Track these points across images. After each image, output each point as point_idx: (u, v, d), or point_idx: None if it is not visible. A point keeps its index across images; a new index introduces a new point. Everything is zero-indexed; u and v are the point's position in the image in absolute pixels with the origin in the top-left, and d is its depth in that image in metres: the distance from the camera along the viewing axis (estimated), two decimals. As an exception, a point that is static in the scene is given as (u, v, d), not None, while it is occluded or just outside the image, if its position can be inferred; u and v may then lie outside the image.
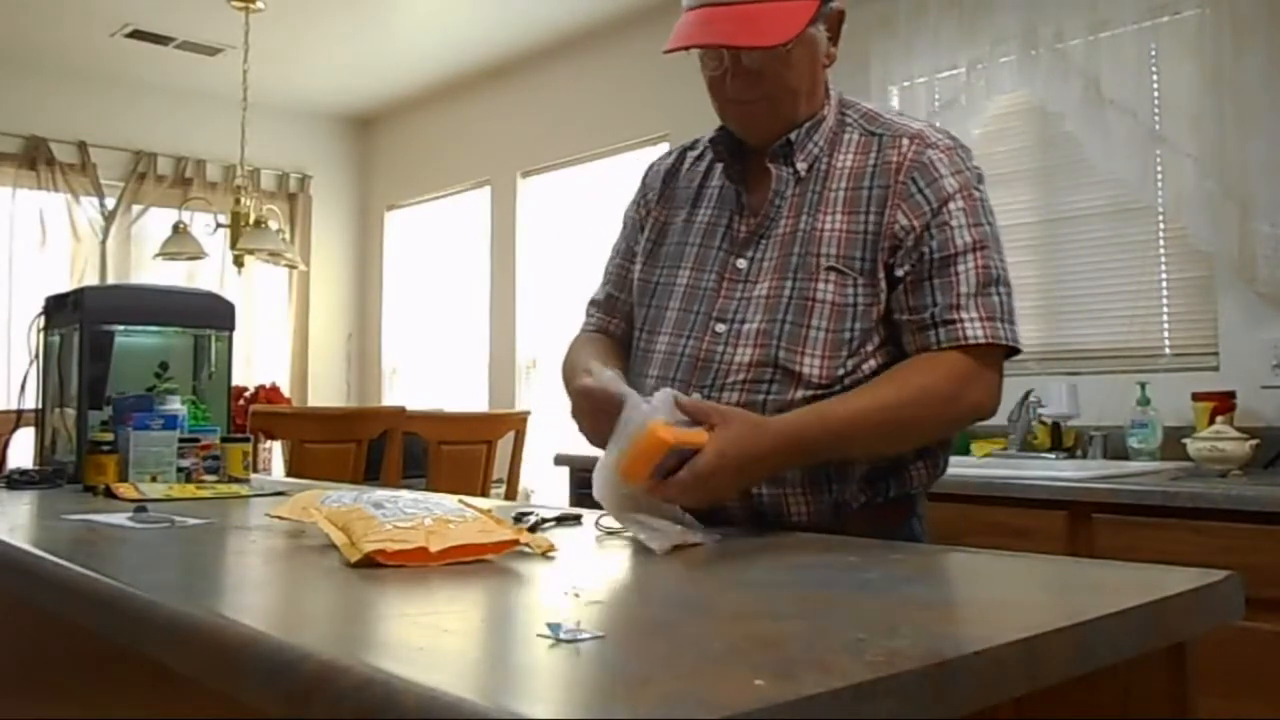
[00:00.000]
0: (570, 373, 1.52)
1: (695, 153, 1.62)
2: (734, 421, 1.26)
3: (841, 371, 1.38)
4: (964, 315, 1.35)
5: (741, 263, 1.46)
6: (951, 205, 1.38)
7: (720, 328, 1.43)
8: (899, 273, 1.38)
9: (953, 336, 1.35)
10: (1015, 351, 1.39)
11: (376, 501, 1.14)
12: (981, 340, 1.35)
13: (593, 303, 1.70)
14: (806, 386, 1.37)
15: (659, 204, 1.61)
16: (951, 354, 1.35)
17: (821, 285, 1.38)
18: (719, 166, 1.55)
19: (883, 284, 1.38)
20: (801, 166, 1.45)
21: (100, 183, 5.52)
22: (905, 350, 1.40)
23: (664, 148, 5.30)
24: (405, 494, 1.25)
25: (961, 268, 1.36)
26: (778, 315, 1.39)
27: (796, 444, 1.30)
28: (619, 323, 1.65)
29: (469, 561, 1.07)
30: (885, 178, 1.40)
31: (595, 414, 1.33)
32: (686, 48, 1.38)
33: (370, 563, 1.02)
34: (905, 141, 1.42)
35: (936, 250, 1.36)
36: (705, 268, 1.49)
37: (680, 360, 1.45)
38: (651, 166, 1.68)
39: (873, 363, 1.39)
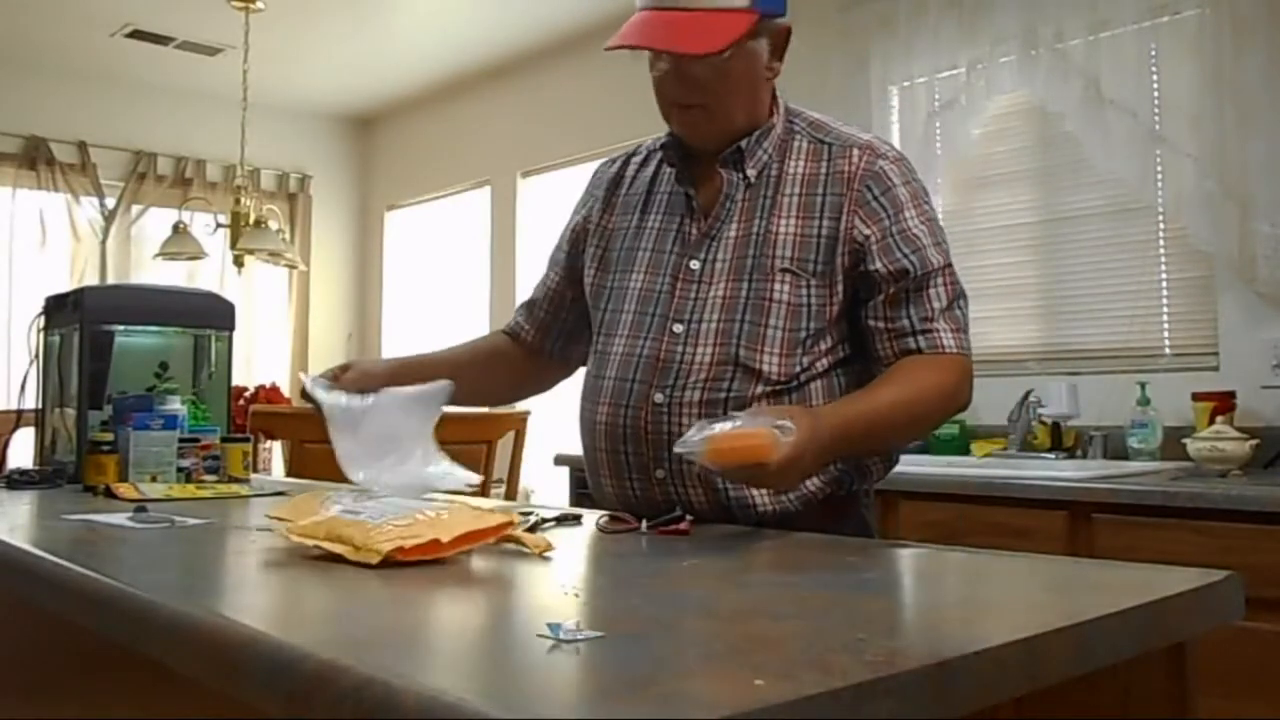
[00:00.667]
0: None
1: (639, 158, 1.67)
2: (801, 418, 1.26)
3: (798, 369, 1.45)
4: (939, 327, 1.46)
5: (695, 264, 1.51)
6: (908, 214, 1.47)
7: (678, 328, 1.48)
8: (871, 268, 1.45)
9: (933, 345, 1.45)
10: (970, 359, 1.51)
11: (349, 509, 1.14)
12: (954, 350, 1.46)
13: (520, 305, 1.80)
14: (765, 383, 1.44)
15: (603, 211, 1.66)
16: (944, 358, 1.46)
17: (777, 286, 1.45)
18: (666, 173, 1.60)
19: (839, 286, 1.46)
20: (751, 173, 1.51)
21: (100, 183, 5.52)
22: (876, 353, 1.48)
23: (664, 148, 5.15)
24: (370, 503, 1.24)
25: (935, 286, 1.47)
26: (736, 315, 1.46)
27: (844, 440, 1.35)
28: (529, 331, 1.76)
29: (472, 548, 1.07)
30: (839, 186, 1.48)
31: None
32: (623, 47, 1.45)
33: (391, 561, 1.02)
34: (856, 152, 1.49)
35: (918, 268, 1.45)
36: (659, 271, 1.54)
37: (639, 361, 1.49)
38: (596, 174, 1.73)
39: (826, 360, 1.48)
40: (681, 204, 1.56)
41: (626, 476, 1.50)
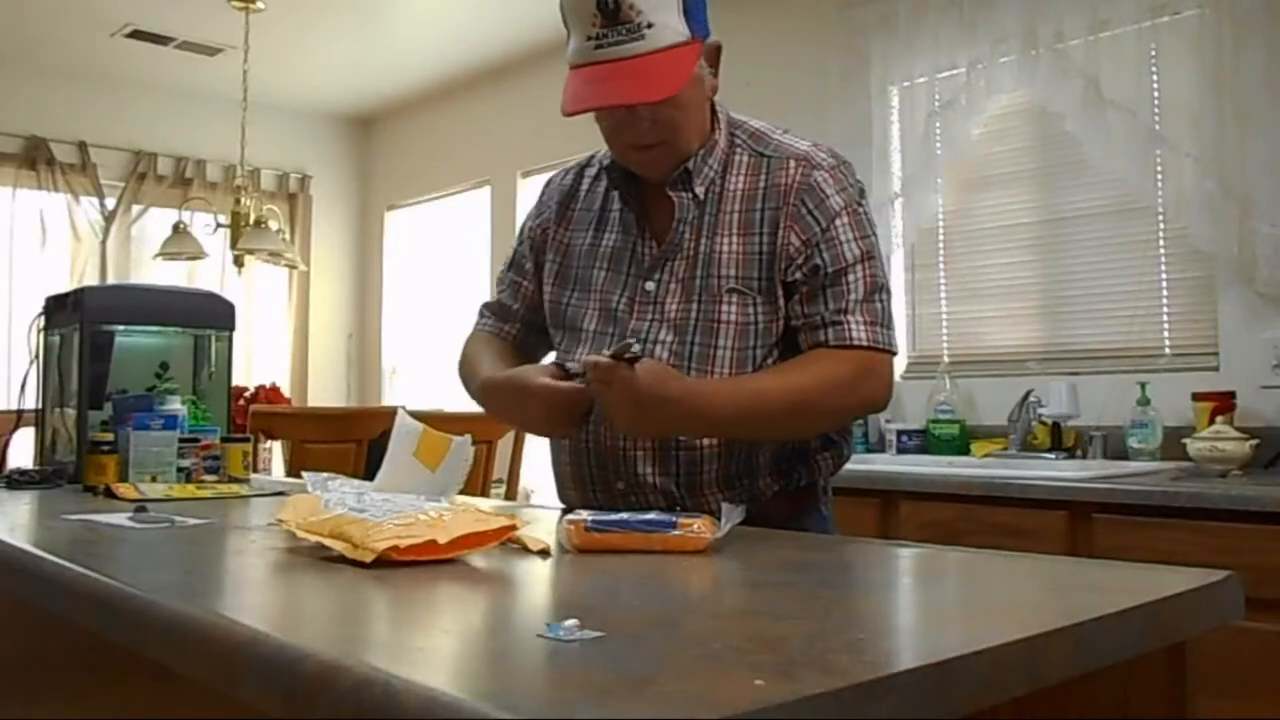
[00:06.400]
0: (472, 370, 1.64)
1: (593, 170, 1.67)
2: (654, 375, 1.35)
3: None
4: (850, 319, 1.46)
5: (650, 285, 1.53)
6: (838, 221, 1.48)
7: (635, 348, 1.47)
8: (790, 279, 1.47)
9: (840, 336, 1.46)
10: (892, 354, 1.50)
11: (354, 506, 1.15)
12: (864, 343, 1.46)
13: (485, 306, 1.78)
14: None
15: (558, 224, 1.66)
16: (846, 350, 1.46)
17: (725, 307, 1.48)
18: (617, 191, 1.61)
19: (781, 301, 1.48)
20: (699, 190, 1.52)
21: (100, 183, 5.52)
22: (800, 350, 1.50)
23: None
24: (375, 495, 1.26)
25: (852, 278, 1.47)
26: (687, 336, 1.49)
27: (698, 399, 1.39)
28: (511, 327, 1.74)
29: (471, 552, 1.07)
30: (776, 200, 1.49)
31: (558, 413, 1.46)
32: (587, 110, 1.44)
33: (386, 561, 1.02)
34: (792, 164, 1.50)
35: (830, 264, 1.46)
36: (616, 291, 1.56)
37: None
38: (549, 183, 1.73)
39: None
40: (634, 224, 1.57)
41: (590, 489, 1.55)
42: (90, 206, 5.52)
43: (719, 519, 1.39)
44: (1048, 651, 0.76)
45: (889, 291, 1.52)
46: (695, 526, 1.16)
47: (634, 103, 1.43)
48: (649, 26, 1.38)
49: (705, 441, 1.48)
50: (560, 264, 1.64)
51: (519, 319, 1.73)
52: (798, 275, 1.47)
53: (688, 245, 1.52)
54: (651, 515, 1.22)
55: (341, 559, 1.06)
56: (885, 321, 1.49)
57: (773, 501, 1.52)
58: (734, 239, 1.50)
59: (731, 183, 1.52)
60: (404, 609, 0.92)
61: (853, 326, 1.45)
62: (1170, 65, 3.08)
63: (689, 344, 1.49)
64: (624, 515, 1.21)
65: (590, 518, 1.19)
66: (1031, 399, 3.17)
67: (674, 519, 1.18)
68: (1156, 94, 3.11)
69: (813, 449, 1.55)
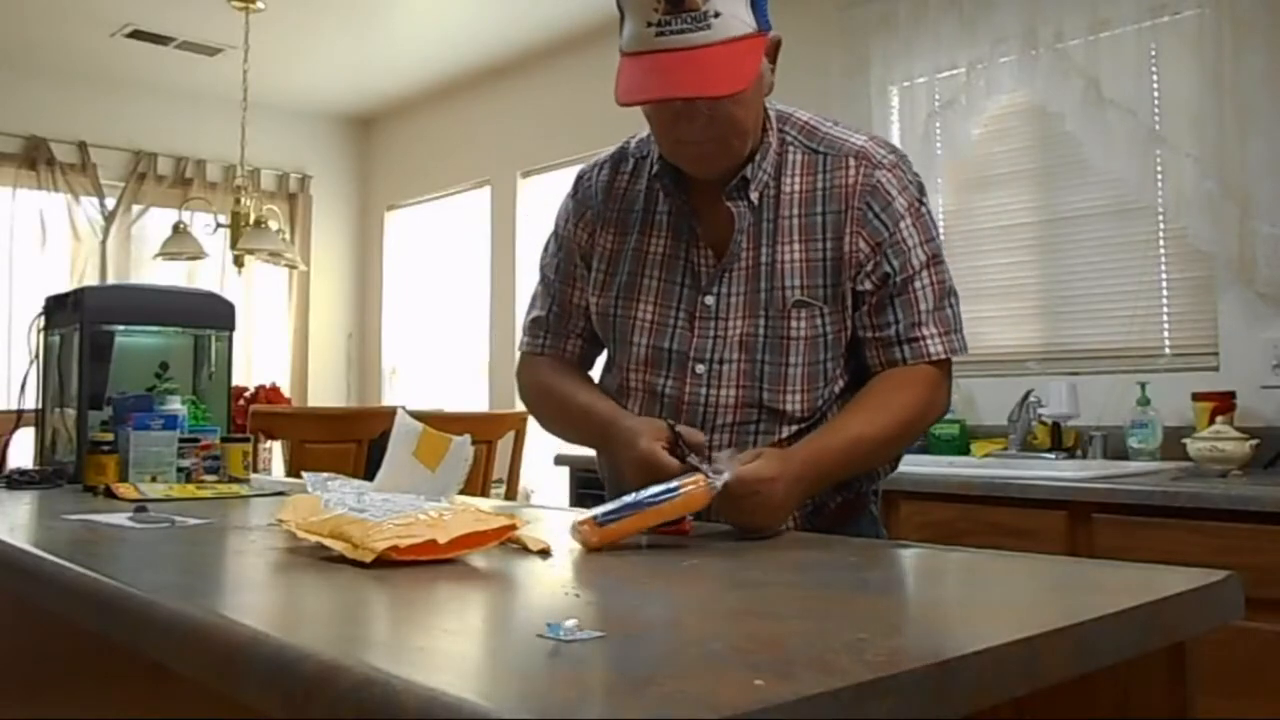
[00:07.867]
0: (562, 404, 1.56)
1: (628, 167, 1.57)
2: (766, 455, 1.32)
3: (820, 402, 1.46)
4: (925, 332, 1.44)
5: (710, 299, 1.46)
6: (903, 225, 1.43)
7: (700, 369, 1.46)
8: (861, 287, 1.43)
9: (918, 354, 1.44)
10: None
11: (355, 507, 1.15)
12: (942, 355, 1.45)
13: (535, 323, 1.64)
14: (791, 422, 1.45)
15: (601, 227, 1.56)
16: (920, 368, 1.44)
17: (794, 322, 1.43)
18: (659, 190, 1.51)
19: (848, 308, 1.44)
20: (754, 195, 1.45)
21: (100, 183, 5.52)
22: (867, 363, 1.47)
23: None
24: (375, 495, 1.26)
25: (919, 285, 1.44)
26: (756, 355, 1.44)
27: (815, 468, 1.35)
28: (573, 344, 1.62)
29: (471, 552, 1.07)
30: (837, 202, 1.43)
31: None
32: (646, 102, 1.36)
33: (385, 561, 1.02)
34: (851, 162, 1.44)
35: (898, 272, 1.43)
36: (671, 304, 1.49)
37: (663, 400, 1.48)
38: (583, 180, 1.62)
39: (840, 385, 1.48)
40: (685, 229, 1.49)
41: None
42: (90, 206, 5.52)
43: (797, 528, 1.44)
44: (1048, 651, 0.76)
45: (956, 294, 1.48)
46: (697, 482, 1.21)
47: (698, 96, 1.32)
48: (715, 16, 1.28)
49: (782, 437, 1.45)
50: (605, 270, 1.54)
51: (579, 333, 1.61)
52: (867, 284, 1.42)
53: (746, 255, 1.44)
54: (653, 489, 1.22)
55: (341, 559, 1.06)
56: (957, 326, 1.47)
57: (833, 512, 1.49)
58: (795, 246, 1.43)
59: (787, 184, 1.44)
60: (404, 609, 0.92)
61: (928, 342, 1.43)
62: (1170, 65, 3.08)
63: (759, 363, 1.43)
64: (627, 499, 1.21)
65: (599, 513, 1.19)
66: (1031, 399, 3.17)
67: (675, 485, 1.21)
68: (1156, 94, 3.11)
69: None
